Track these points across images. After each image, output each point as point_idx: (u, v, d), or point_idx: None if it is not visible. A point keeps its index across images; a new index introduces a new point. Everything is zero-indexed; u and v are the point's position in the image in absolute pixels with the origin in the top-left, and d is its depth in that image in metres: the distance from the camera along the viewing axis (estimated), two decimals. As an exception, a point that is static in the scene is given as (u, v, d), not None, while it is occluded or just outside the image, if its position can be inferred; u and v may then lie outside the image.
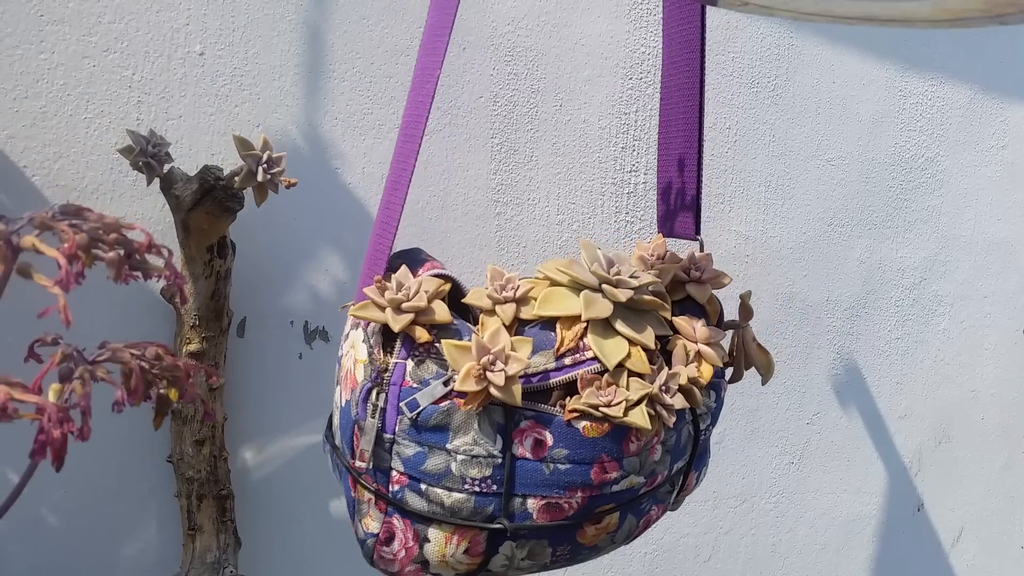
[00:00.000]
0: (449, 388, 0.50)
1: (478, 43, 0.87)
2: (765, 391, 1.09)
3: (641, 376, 0.53)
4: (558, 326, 0.53)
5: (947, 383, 1.27)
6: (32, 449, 0.40)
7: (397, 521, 0.52)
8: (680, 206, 0.67)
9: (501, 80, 0.89)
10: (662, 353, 0.56)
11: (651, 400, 0.52)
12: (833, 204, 1.12)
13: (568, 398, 0.52)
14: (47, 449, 0.40)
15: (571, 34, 0.92)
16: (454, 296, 0.56)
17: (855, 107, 1.12)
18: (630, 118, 0.96)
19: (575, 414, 0.51)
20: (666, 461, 0.56)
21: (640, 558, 1.02)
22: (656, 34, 0.96)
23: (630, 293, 0.54)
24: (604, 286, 0.54)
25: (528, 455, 0.51)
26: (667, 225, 0.69)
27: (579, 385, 0.52)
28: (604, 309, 0.53)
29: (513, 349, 0.51)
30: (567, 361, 0.52)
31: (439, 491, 0.51)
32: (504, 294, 0.54)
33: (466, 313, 0.57)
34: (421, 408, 0.50)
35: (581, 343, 0.53)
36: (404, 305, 0.51)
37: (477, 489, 0.51)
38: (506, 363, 0.50)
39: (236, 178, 0.64)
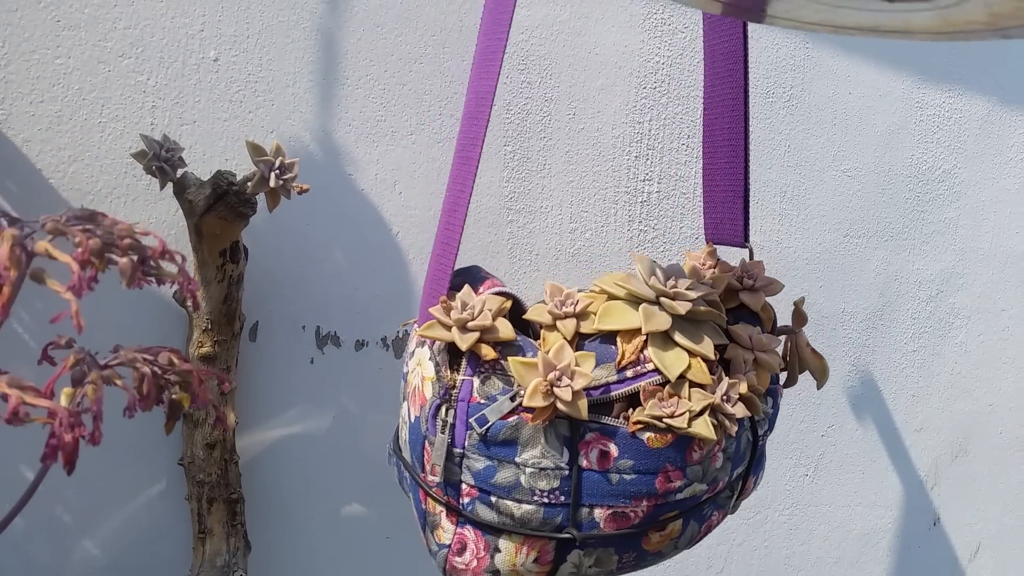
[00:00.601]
0: (516, 403, 0.51)
1: (492, 51, 0.87)
2: (781, 403, 1.08)
3: (702, 387, 0.54)
4: (618, 339, 0.54)
5: (964, 396, 1.25)
6: (44, 453, 0.40)
7: (468, 532, 0.54)
8: (728, 214, 0.67)
9: (515, 88, 0.89)
10: (720, 362, 0.57)
11: (713, 410, 0.54)
12: (849, 215, 1.12)
13: (631, 410, 0.53)
14: (58, 453, 0.40)
15: (585, 43, 0.92)
16: (515, 312, 0.57)
17: (872, 118, 1.12)
18: (644, 127, 0.96)
19: (639, 425, 0.52)
20: (727, 468, 0.57)
21: (651, 569, 1.01)
22: (670, 43, 0.96)
23: (688, 305, 0.55)
24: (662, 299, 0.55)
25: (594, 466, 0.52)
26: (715, 233, 0.69)
27: (642, 397, 0.53)
28: (663, 322, 0.54)
29: (577, 364, 0.52)
30: (629, 373, 0.53)
31: (509, 503, 0.52)
32: (564, 309, 0.55)
33: (526, 328, 0.58)
34: (490, 423, 0.52)
35: (642, 355, 0.54)
36: (470, 324, 0.52)
37: (546, 500, 0.52)
38: (572, 378, 0.51)
39: (249, 183, 0.64)
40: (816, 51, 1.06)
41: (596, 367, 0.53)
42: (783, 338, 0.65)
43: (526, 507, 0.52)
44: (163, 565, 0.75)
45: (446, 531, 0.54)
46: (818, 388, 0.66)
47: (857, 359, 1.15)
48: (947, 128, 1.19)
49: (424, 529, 0.56)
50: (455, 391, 0.53)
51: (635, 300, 0.56)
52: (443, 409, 0.53)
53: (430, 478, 0.54)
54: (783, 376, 0.66)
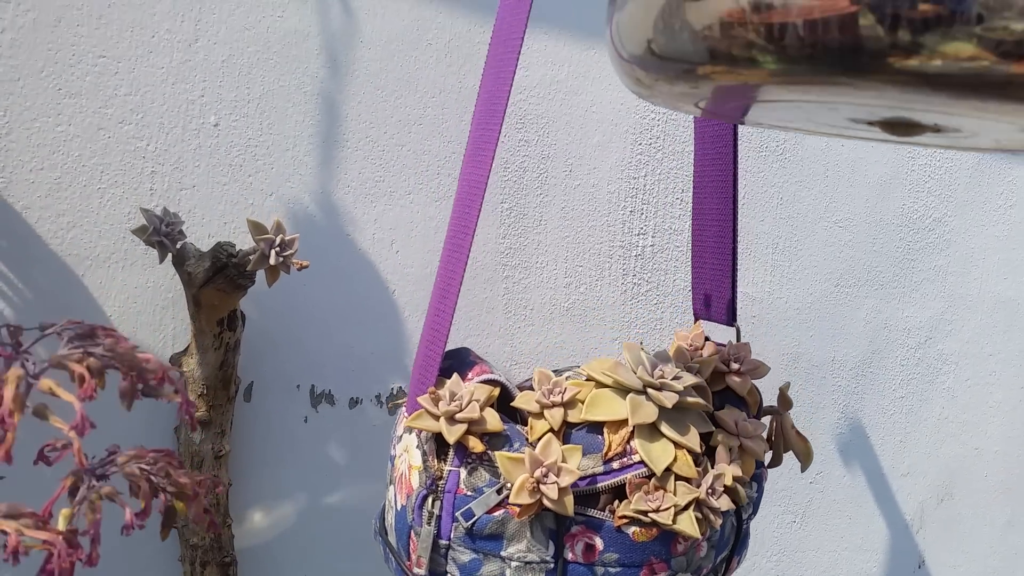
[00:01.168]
0: (502, 497, 0.52)
1: (490, 111, 0.88)
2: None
3: (688, 480, 0.54)
4: (605, 430, 0.55)
5: (951, 441, 1.27)
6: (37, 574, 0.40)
7: None
8: (715, 293, 0.68)
9: (512, 147, 0.90)
10: (705, 451, 0.58)
11: (699, 504, 0.54)
12: (840, 265, 1.13)
13: (616, 501, 0.54)
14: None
15: (582, 101, 0.93)
16: (502, 398, 0.57)
17: (863, 169, 1.13)
18: (639, 182, 0.97)
19: (625, 520, 0.53)
20: (711, 555, 0.58)
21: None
22: (666, 100, 0.97)
23: (675, 398, 0.56)
24: (649, 390, 0.56)
25: (579, 559, 0.53)
26: (703, 311, 0.70)
27: (627, 489, 0.53)
28: (650, 414, 0.55)
29: (564, 460, 0.52)
30: (615, 465, 0.54)
31: None
32: (552, 398, 0.55)
33: (513, 412, 0.58)
34: (476, 517, 0.52)
35: (628, 447, 0.54)
36: (458, 416, 0.53)
37: None
38: (558, 475, 0.51)
39: (249, 257, 0.64)
40: (810, 105, 1.07)
41: (583, 457, 0.54)
42: (768, 418, 0.66)
43: None
44: (156, 628, 0.76)
45: None
46: (802, 471, 0.66)
47: (846, 406, 1.16)
48: (938, 178, 1.20)
49: None
50: (442, 482, 0.53)
51: (622, 389, 0.56)
52: (430, 500, 0.53)
53: (416, 570, 0.54)
54: (768, 457, 0.67)
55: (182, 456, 0.73)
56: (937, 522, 1.27)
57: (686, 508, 0.53)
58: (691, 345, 0.65)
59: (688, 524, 0.53)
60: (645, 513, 0.53)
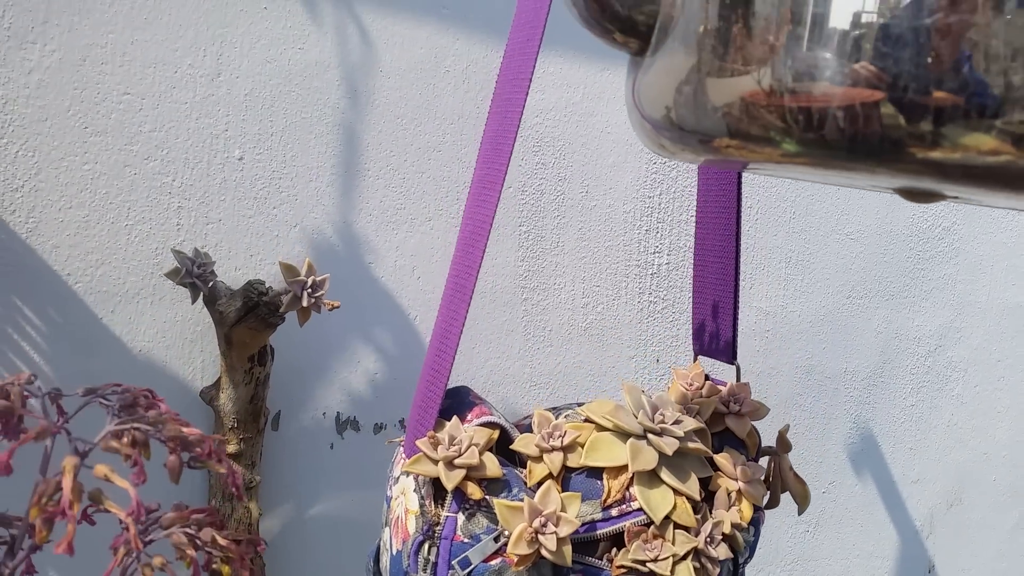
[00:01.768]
0: (500, 545, 0.52)
1: (508, 136, 0.88)
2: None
3: (686, 528, 0.54)
4: (604, 475, 0.55)
5: (960, 447, 1.28)
6: None
7: None
8: (717, 330, 0.68)
9: (529, 170, 0.90)
10: (704, 493, 0.58)
11: (697, 554, 0.54)
12: (851, 277, 1.14)
13: (614, 549, 0.54)
14: None
15: (597, 123, 0.93)
16: (502, 439, 0.57)
17: (874, 180, 1.14)
18: (653, 201, 0.98)
19: (623, 570, 0.53)
20: None
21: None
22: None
23: (676, 444, 0.56)
24: (649, 435, 0.56)
25: None
26: (703, 348, 0.70)
27: (626, 537, 0.53)
28: (650, 460, 0.55)
29: (563, 510, 0.52)
30: (614, 512, 0.54)
31: None
32: (552, 442, 0.55)
33: (512, 453, 0.58)
34: (473, 566, 0.52)
35: (627, 493, 0.54)
36: (456, 461, 0.52)
37: None
38: (557, 524, 0.51)
39: (282, 298, 0.65)
40: (821, 119, 1.08)
41: (582, 503, 0.54)
42: (766, 459, 0.66)
43: None
44: (190, 658, 0.77)
45: None
46: (799, 513, 0.66)
47: (858, 416, 1.17)
48: (947, 186, 1.21)
49: None
50: (439, 528, 0.53)
51: (623, 434, 0.56)
52: (426, 547, 0.53)
53: None
54: (766, 498, 0.67)
55: (214, 491, 0.74)
56: (947, 527, 1.28)
57: (684, 558, 0.53)
58: (691, 384, 0.65)
59: (686, 573, 0.53)
60: (643, 563, 0.53)
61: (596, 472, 0.55)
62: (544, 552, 0.51)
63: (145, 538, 0.45)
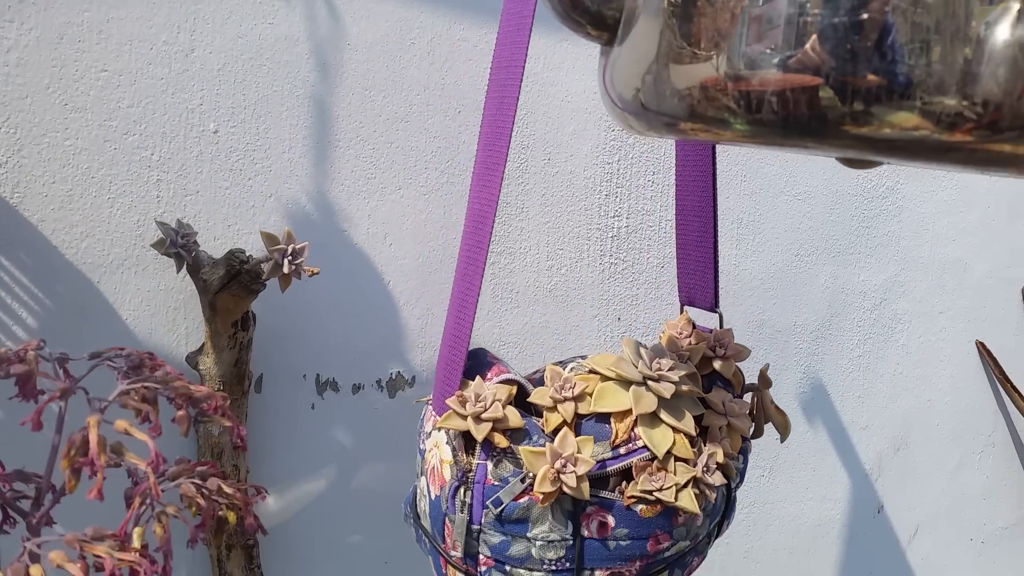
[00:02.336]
0: (526, 485, 0.58)
1: (472, 106, 0.92)
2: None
3: (685, 461, 0.61)
4: (612, 419, 0.61)
5: (905, 394, 1.36)
6: None
7: None
8: (699, 282, 0.74)
9: (493, 138, 0.94)
10: (698, 429, 0.65)
11: (696, 482, 0.61)
12: (800, 236, 1.20)
13: (624, 482, 0.60)
14: None
15: (557, 92, 0.97)
16: (519, 394, 0.63)
17: (821, 142, 1.19)
18: (613, 167, 1.02)
19: (633, 499, 0.60)
20: (706, 523, 0.65)
21: (625, 575, 1.09)
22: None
23: (672, 388, 0.62)
24: (648, 382, 0.62)
25: (594, 535, 0.60)
26: (688, 299, 0.77)
27: (634, 471, 0.60)
28: (651, 404, 0.61)
29: (580, 451, 0.59)
30: (622, 451, 0.60)
31: (522, 571, 0.59)
32: (564, 393, 0.62)
33: (529, 404, 0.64)
34: (504, 504, 0.58)
35: (632, 433, 0.61)
36: (483, 415, 0.59)
37: (553, 568, 0.59)
38: (575, 465, 0.58)
39: (263, 266, 0.69)
40: (770, 85, 1.13)
41: (594, 445, 0.60)
42: (750, 395, 0.73)
43: (537, 574, 0.59)
44: (184, 608, 0.81)
45: None
46: (781, 441, 0.73)
47: (807, 367, 1.23)
48: (889, 147, 1.27)
49: None
50: (471, 474, 0.60)
51: (625, 382, 0.62)
52: (461, 491, 0.60)
53: (451, 551, 0.61)
54: (751, 429, 0.74)
55: (202, 451, 0.77)
56: (894, 470, 1.36)
57: (685, 486, 0.60)
58: (680, 333, 0.71)
59: (688, 501, 0.60)
60: (650, 492, 0.59)
61: (604, 417, 0.62)
62: (565, 489, 0.57)
63: (169, 507, 0.49)
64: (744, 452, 0.69)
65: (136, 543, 0.45)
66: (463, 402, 0.59)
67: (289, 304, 0.84)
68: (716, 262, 0.73)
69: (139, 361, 0.48)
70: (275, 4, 0.81)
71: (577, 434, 0.61)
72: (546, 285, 1.00)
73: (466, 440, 0.60)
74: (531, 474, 0.58)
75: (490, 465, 0.59)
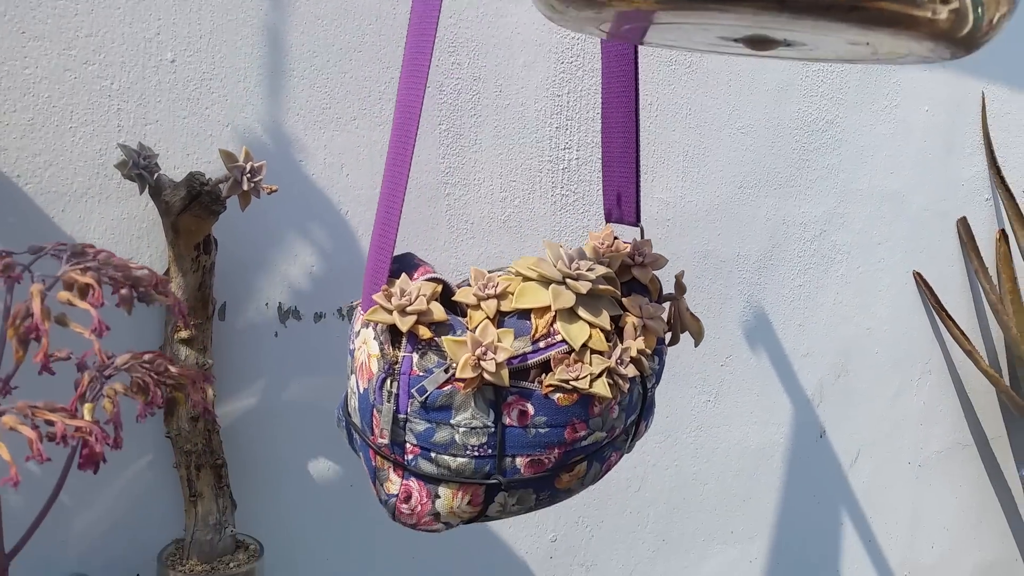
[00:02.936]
0: (450, 375, 0.61)
1: (424, 38, 0.94)
2: (685, 339, 1.21)
3: (601, 353, 0.65)
4: (532, 315, 0.65)
5: (845, 323, 1.42)
6: (79, 463, 0.49)
7: (413, 483, 0.64)
8: (623, 197, 0.78)
9: (445, 70, 0.96)
10: (615, 330, 0.68)
11: (610, 372, 0.65)
12: (743, 168, 1.24)
13: (544, 374, 0.64)
14: (92, 460, 0.49)
15: (508, 24, 1.00)
16: (444, 294, 0.66)
17: (762, 78, 1.23)
18: (563, 100, 1.05)
19: (551, 388, 0.63)
20: (622, 417, 0.69)
21: (580, 493, 1.14)
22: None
23: (589, 285, 0.66)
24: (567, 280, 0.66)
25: (515, 423, 0.63)
26: (613, 214, 0.79)
27: (552, 363, 0.63)
28: (568, 300, 0.65)
29: (499, 340, 0.62)
30: (541, 344, 0.64)
31: (446, 457, 0.62)
32: (487, 291, 0.65)
33: (455, 307, 0.67)
34: (428, 392, 0.62)
35: (552, 328, 0.64)
36: (408, 309, 0.62)
37: (476, 454, 0.63)
38: (495, 352, 0.61)
39: (222, 185, 0.71)
40: (713, 21, 1.16)
41: (515, 340, 0.64)
42: (668, 304, 0.77)
43: (460, 460, 0.63)
44: (157, 526, 0.83)
45: (394, 483, 0.65)
46: (695, 346, 0.78)
47: (750, 296, 1.28)
48: (830, 81, 1.31)
49: (374, 482, 0.66)
50: (397, 366, 0.63)
51: (545, 281, 0.66)
52: (388, 381, 0.62)
53: (379, 440, 0.63)
54: (668, 337, 0.78)
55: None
56: (835, 395, 1.42)
57: (600, 376, 0.64)
58: (603, 243, 0.74)
59: (602, 388, 0.64)
60: (567, 382, 0.63)
61: (525, 314, 0.65)
62: (486, 375, 0.61)
63: (104, 372, 0.52)
64: (659, 354, 0.73)
65: (87, 416, 0.48)
66: (388, 296, 0.62)
67: (250, 232, 0.86)
68: (638, 177, 0.76)
69: (81, 249, 0.51)
70: (227, -65, 0.82)
71: (499, 328, 0.64)
72: (500, 216, 1.03)
73: (392, 335, 0.63)
74: (454, 364, 0.61)
75: (415, 357, 0.62)
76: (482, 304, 0.65)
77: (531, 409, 0.63)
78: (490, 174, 1.01)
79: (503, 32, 1.00)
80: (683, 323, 0.77)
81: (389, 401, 0.62)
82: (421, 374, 0.62)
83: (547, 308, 0.65)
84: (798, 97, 1.28)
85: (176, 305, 0.53)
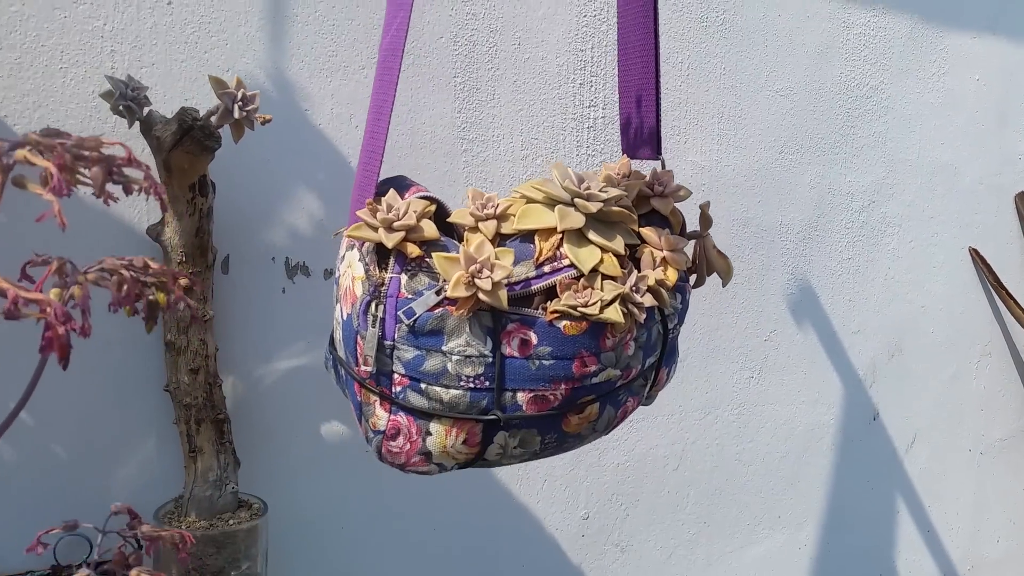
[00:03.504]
0: (441, 296, 0.56)
1: (436, -15, 0.90)
2: (724, 311, 1.15)
3: (613, 279, 0.58)
4: (536, 238, 0.58)
5: (897, 300, 1.33)
6: (41, 345, 0.44)
7: (401, 418, 0.58)
8: (642, 129, 0.71)
9: (460, 20, 0.92)
10: (631, 260, 0.62)
11: (623, 299, 0.58)
12: (783, 133, 1.17)
13: (549, 302, 0.57)
14: (55, 345, 0.44)
15: (525, -27, 0.96)
16: (439, 216, 0.60)
17: (801, 39, 1.17)
18: (586, 54, 1.00)
19: (556, 314, 0.57)
20: (639, 356, 0.62)
21: (613, 468, 1.08)
22: (607, -29, 1.00)
23: (600, 205, 0.59)
24: (576, 200, 0.59)
25: (516, 353, 0.57)
26: (631, 148, 0.74)
27: (558, 289, 0.57)
28: (577, 220, 0.59)
29: (497, 258, 0.56)
30: (546, 269, 0.58)
31: (438, 389, 0.56)
32: (485, 211, 0.59)
33: (451, 233, 0.62)
34: (417, 315, 0.56)
35: (558, 252, 0.58)
36: (395, 224, 0.56)
37: (472, 385, 0.56)
38: (491, 270, 0.55)
39: (213, 117, 0.67)
40: (746, -26, 1.11)
41: (516, 264, 0.57)
42: (693, 242, 0.70)
43: (454, 392, 0.56)
44: (158, 485, 0.79)
45: (380, 418, 0.58)
46: (723, 286, 0.70)
47: (795, 268, 1.21)
48: (873, 46, 1.24)
49: (360, 419, 0.60)
50: (384, 288, 0.57)
51: (551, 202, 0.60)
52: (373, 305, 0.57)
53: (363, 368, 0.57)
54: (693, 279, 0.71)
55: (168, 325, 0.76)
56: (888, 376, 1.34)
57: (612, 302, 0.57)
58: (618, 172, 0.68)
59: (614, 313, 0.57)
60: (575, 308, 0.57)
61: (529, 237, 0.59)
62: (481, 295, 0.55)
63: (81, 267, 0.48)
64: (682, 292, 0.66)
65: (53, 298, 0.44)
66: (374, 211, 0.56)
67: (254, 183, 0.83)
68: (659, 102, 0.70)
69: (56, 133, 0.47)
70: None
71: None
72: (522, 176, 0.98)
73: (379, 255, 0.57)
74: (446, 284, 0.55)
75: (404, 278, 0.56)
76: (480, 225, 0.59)
77: (534, 338, 0.57)
78: (510, 131, 0.97)
79: (521, -19, 0.95)
80: (709, 262, 0.70)
81: (374, 326, 0.56)
82: (410, 296, 0.56)
83: (553, 229, 0.58)
84: (840, 60, 1.21)
85: (153, 186, 0.49)
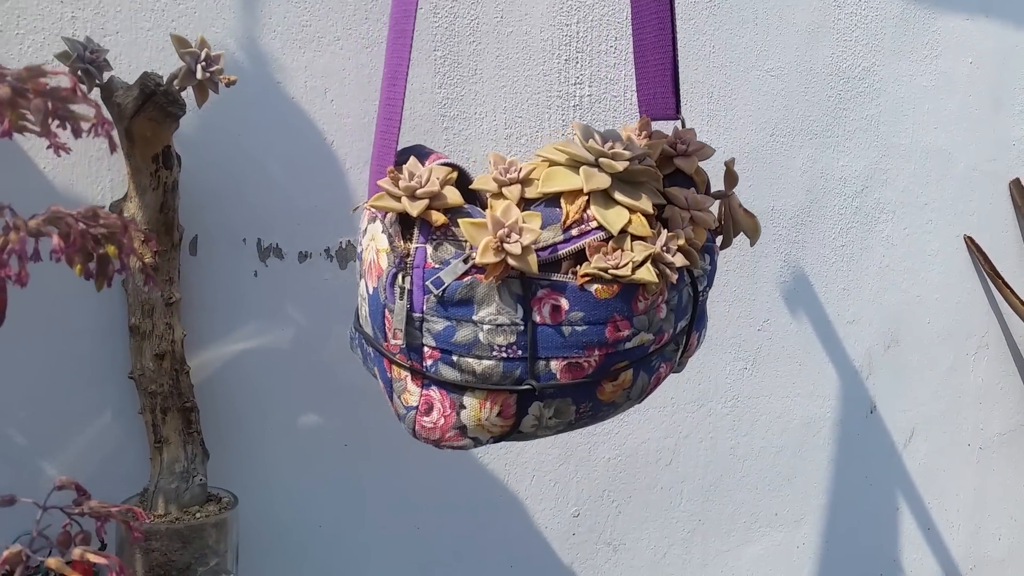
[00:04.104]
0: (469, 264, 0.54)
1: (415, -46, 0.86)
2: (717, 299, 1.11)
3: (643, 239, 0.57)
4: (562, 201, 0.56)
5: (893, 289, 1.30)
6: None
7: (434, 392, 0.56)
8: (659, 88, 0.69)
9: (440, -8, 0.89)
10: (659, 220, 0.60)
11: (655, 259, 0.56)
12: (774, 114, 1.14)
13: (578, 266, 0.56)
14: None
15: (508, -55, 0.92)
16: (461, 183, 0.58)
17: (791, 17, 1.14)
18: (571, 29, 0.97)
19: (587, 278, 0.55)
20: (671, 319, 0.60)
21: (604, 463, 1.04)
22: (592, -56, 0.97)
23: (625, 164, 0.57)
24: (601, 160, 0.57)
25: (547, 320, 0.55)
26: (648, 108, 0.71)
27: (588, 253, 0.55)
28: (603, 181, 0.57)
29: (525, 221, 0.54)
30: (574, 232, 0.56)
31: (470, 360, 0.55)
32: (509, 176, 0.57)
33: (474, 201, 0.59)
34: (446, 285, 0.54)
35: (585, 215, 0.56)
36: (418, 192, 0.54)
37: (504, 355, 0.55)
38: (520, 234, 0.53)
39: (175, 81, 0.63)
40: (735, -49, 1.08)
41: (543, 229, 0.55)
42: (718, 202, 0.68)
43: (486, 363, 0.54)
44: (122, 480, 0.75)
45: (412, 394, 0.56)
46: (751, 245, 0.69)
47: (788, 255, 1.18)
48: (865, 26, 1.21)
49: (391, 397, 0.58)
50: (410, 259, 0.55)
51: (575, 164, 0.57)
52: (400, 277, 0.55)
53: (392, 342, 0.55)
54: (719, 240, 0.69)
55: (132, 308, 0.71)
56: (886, 368, 1.31)
57: (643, 263, 0.56)
58: (638, 134, 0.66)
59: (647, 273, 0.55)
60: (606, 270, 0.55)
61: (554, 201, 0.57)
62: (510, 260, 0.53)
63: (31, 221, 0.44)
64: (710, 252, 0.64)
65: None
66: (396, 180, 0.54)
67: (223, 159, 0.78)
68: (676, 64, 0.68)
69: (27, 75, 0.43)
70: None
71: None
72: (505, 155, 0.94)
73: (403, 226, 0.55)
74: (474, 251, 0.53)
75: (429, 248, 0.55)
76: (504, 191, 0.57)
77: (565, 304, 0.55)
78: (492, 108, 0.93)
79: (503, -47, 0.92)
80: (736, 221, 0.68)
81: (402, 298, 0.55)
82: (437, 266, 0.54)
83: (579, 192, 0.57)
84: (831, 41, 1.18)
85: (100, 121, 0.45)
